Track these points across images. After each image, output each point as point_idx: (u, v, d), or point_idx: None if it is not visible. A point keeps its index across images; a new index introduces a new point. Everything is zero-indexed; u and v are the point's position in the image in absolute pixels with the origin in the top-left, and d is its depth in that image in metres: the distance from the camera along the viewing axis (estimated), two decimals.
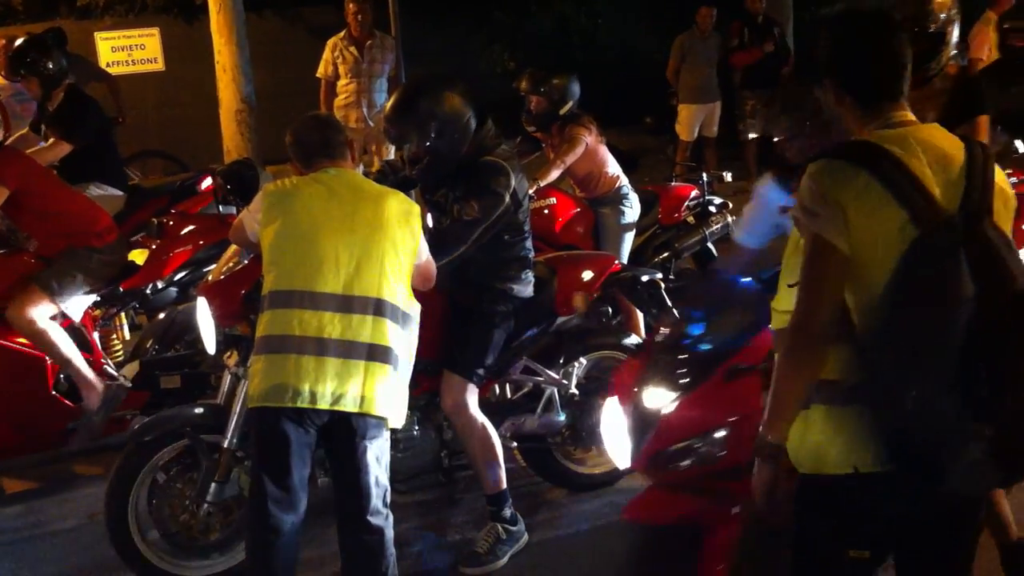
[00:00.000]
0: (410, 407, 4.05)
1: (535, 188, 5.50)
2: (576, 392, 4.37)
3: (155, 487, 3.84)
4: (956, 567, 2.34)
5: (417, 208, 3.50)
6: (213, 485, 3.76)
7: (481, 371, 4.00)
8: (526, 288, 4.15)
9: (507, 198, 3.89)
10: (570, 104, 5.87)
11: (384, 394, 3.30)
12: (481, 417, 3.98)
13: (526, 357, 4.28)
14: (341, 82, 8.39)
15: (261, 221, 3.36)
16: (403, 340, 3.37)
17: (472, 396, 3.97)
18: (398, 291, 3.34)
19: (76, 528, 4.47)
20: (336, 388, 3.20)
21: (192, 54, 11.52)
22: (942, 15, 3.44)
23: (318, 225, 3.28)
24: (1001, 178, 2.19)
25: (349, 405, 3.22)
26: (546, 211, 5.74)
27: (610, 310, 4.91)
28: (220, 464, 3.73)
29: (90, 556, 4.17)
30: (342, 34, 8.43)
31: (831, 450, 2.16)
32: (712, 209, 6.28)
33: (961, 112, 3.42)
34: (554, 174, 5.65)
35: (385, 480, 3.38)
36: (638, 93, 11.78)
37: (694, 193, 6.29)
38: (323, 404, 3.19)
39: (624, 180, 5.95)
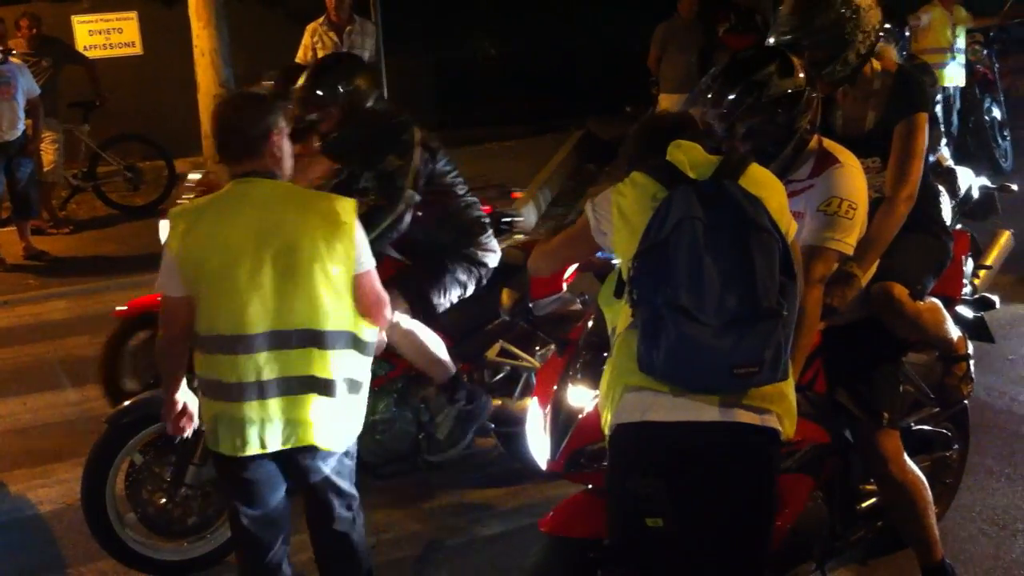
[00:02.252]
0: (387, 391, 4.08)
1: None
2: None
3: (132, 470, 3.84)
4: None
5: (349, 204, 3.04)
6: (191, 468, 3.77)
7: (425, 300, 4.05)
8: (491, 255, 4.20)
9: (418, 146, 3.99)
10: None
11: (331, 425, 3.07)
12: (411, 323, 3.97)
13: (503, 341, 4.29)
14: None
15: (174, 250, 2.97)
16: (351, 363, 3.07)
17: (400, 309, 3.93)
18: (337, 313, 2.99)
19: (53, 514, 4.45)
20: (283, 427, 3.02)
21: (170, 38, 11.41)
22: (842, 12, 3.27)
23: (234, 257, 2.91)
24: (766, 175, 2.65)
25: (299, 441, 3.05)
26: None
27: (587, 297, 4.93)
28: (197, 447, 3.72)
29: (68, 541, 4.18)
30: (321, 19, 8.40)
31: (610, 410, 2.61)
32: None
33: (899, 110, 3.35)
34: None
35: (349, 487, 3.24)
36: (619, 82, 11.78)
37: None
38: (273, 447, 3.04)
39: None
